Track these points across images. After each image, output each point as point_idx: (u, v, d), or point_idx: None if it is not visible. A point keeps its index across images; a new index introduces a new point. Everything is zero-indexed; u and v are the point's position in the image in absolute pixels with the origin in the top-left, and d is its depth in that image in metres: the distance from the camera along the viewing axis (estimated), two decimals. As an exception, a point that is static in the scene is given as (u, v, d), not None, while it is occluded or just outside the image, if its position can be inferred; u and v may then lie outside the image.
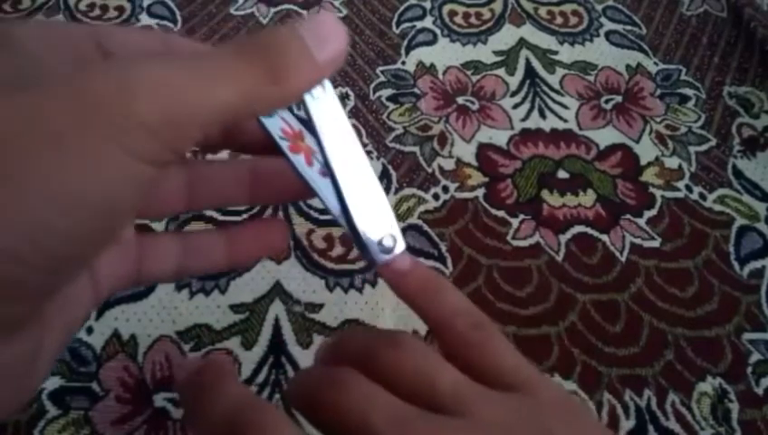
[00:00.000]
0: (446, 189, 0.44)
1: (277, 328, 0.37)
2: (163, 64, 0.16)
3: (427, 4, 0.57)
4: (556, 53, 0.53)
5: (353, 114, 0.48)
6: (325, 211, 0.42)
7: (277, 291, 0.39)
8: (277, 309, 0.38)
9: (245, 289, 0.39)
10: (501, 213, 0.43)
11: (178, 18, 0.54)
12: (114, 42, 0.20)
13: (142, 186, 0.16)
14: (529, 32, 0.55)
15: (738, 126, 0.49)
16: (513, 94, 0.50)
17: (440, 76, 0.51)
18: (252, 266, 0.39)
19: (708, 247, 0.42)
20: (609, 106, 0.50)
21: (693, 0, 0.59)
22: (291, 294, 0.39)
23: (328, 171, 0.21)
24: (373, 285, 0.39)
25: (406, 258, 0.23)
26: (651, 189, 0.45)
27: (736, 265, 0.41)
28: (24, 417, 0.33)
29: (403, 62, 0.52)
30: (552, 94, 0.50)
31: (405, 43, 0.54)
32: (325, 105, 0.20)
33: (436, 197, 0.44)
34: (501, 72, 0.52)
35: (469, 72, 0.52)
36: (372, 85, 0.50)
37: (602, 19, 0.57)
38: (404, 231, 0.42)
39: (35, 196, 0.14)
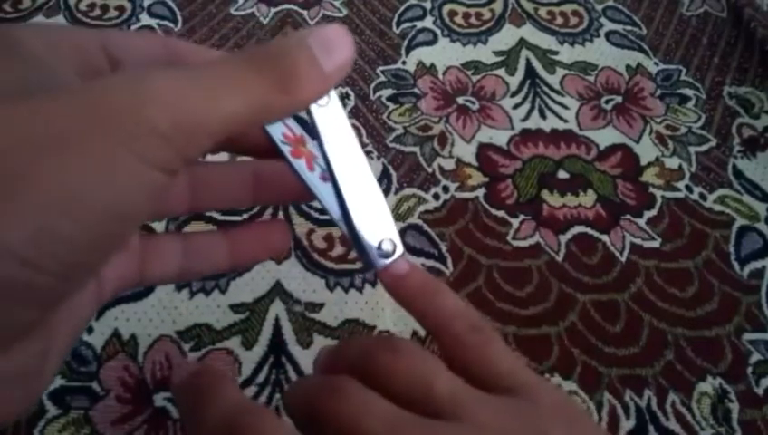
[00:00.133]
0: (446, 189, 0.44)
1: (277, 328, 0.37)
2: (174, 74, 0.16)
3: (428, 5, 0.57)
4: (556, 53, 0.54)
5: (353, 114, 0.48)
6: (326, 211, 0.42)
7: (277, 291, 0.39)
8: (277, 309, 0.38)
9: (246, 289, 0.39)
10: (501, 213, 0.43)
11: (179, 18, 0.54)
12: (118, 45, 0.21)
13: (153, 192, 0.16)
14: (529, 32, 0.55)
15: (738, 126, 0.49)
16: (514, 94, 0.50)
17: (440, 76, 0.51)
18: (252, 267, 0.39)
19: (708, 247, 0.42)
20: (609, 106, 0.50)
21: (693, 0, 0.59)
22: (291, 293, 0.39)
23: (330, 176, 0.22)
24: (373, 284, 0.39)
25: (403, 262, 0.24)
26: (651, 190, 0.45)
27: (736, 266, 0.42)
28: (23, 416, 0.33)
29: (403, 62, 0.52)
30: (553, 94, 0.50)
31: (405, 43, 0.54)
32: (329, 112, 0.21)
33: (436, 197, 0.44)
34: (501, 72, 0.52)
35: (469, 73, 0.52)
36: (372, 85, 0.50)
37: (602, 19, 0.57)
38: (404, 231, 0.42)
39: (42, 199, 0.14)
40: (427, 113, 0.48)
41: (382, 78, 0.51)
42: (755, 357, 0.38)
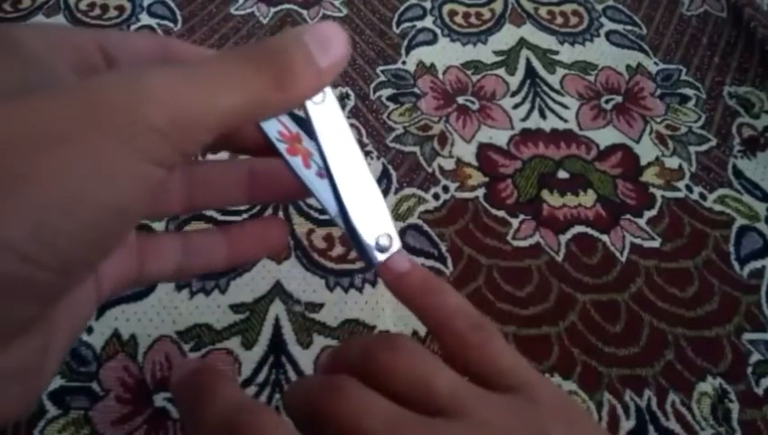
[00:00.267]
0: (446, 189, 0.44)
1: (277, 328, 0.37)
2: (171, 71, 0.16)
3: (428, 4, 0.57)
4: (556, 52, 0.53)
5: (353, 114, 0.48)
6: (323, 209, 0.42)
7: (277, 291, 0.39)
8: (277, 309, 0.38)
9: (245, 289, 0.39)
10: (501, 213, 0.43)
11: (178, 18, 0.54)
12: (115, 45, 0.21)
13: (151, 188, 0.16)
14: (529, 32, 0.55)
15: (738, 126, 0.49)
16: (514, 94, 0.50)
17: (440, 76, 0.51)
18: (252, 266, 0.39)
19: (708, 247, 0.42)
20: (609, 106, 0.50)
21: (693, 0, 0.59)
22: (291, 293, 0.39)
23: (326, 172, 0.22)
24: (373, 284, 0.39)
25: (405, 260, 0.24)
26: (651, 189, 0.45)
27: (736, 266, 0.42)
28: (24, 417, 0.33)
29: (403, 62, 0.52)
30: (553, 94, 0.50)
31: (405, 42, 0.54)
32: (325, 108, 0.21)
33: (436, 196, 0.44)
34: (501, 71, 0.52)
35: (469, 72, 0.52)
36: (372, 85, 0.50)
37: (602, 19, 0.57)
38: (404, 231, 0.42)
39: (41, 196, 0.15)
40: (426, 113, 0.48)
41: (382, 78, 0.51)
42: (755, 357, 0.38)
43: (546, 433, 0.21)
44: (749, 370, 0.37)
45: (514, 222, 0.43)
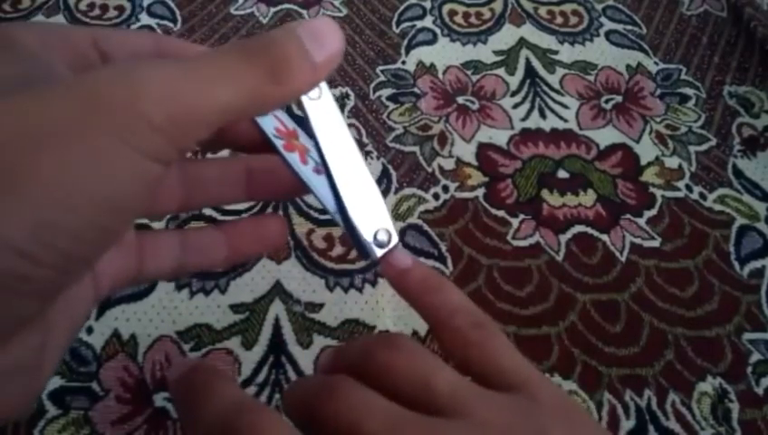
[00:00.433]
0: (446, 189, 0.44)
1: (277, 328, 0.37)
2: (168, 65, 0.16)
3: (427, 4, 0.57)
4: (556, 52, 0.53)
5: (353, 114, 0.48)
6: (325, 211, 0.42)
7: (277, 291, 0.39)
8: (277, 309, 0.38)
9: (245, 289, 0.39)
10: (501, 213, 0.43)
11: (178, 18, 0.54)
12: (110, 43, 0.21)
13: (149, 183, 0.16)
14: (529, 31, 0.55)
15: (738, 126, 0.49)
16: (514, 94, 0.50)
17: (440, 76, 0.51)
18: (252, 266, 0.39)
19: (708, 247, 0.42)
20: (609, 106, 0.50)
21: (693, 0, 0.59)
22: (291, 293, 0.39)
23: (324, 168, 0.22)
24: (373, 284, 0.39)
25: (407, 256, 0.24)
26: (651, 189, 0.45)
27: (736, 265, 0.41)
28: (24, 417, 0.33)
29: (403, 62, 0.52)
30: (553, 94, 0.50)
31: (405, 42, 0.54)
32: (321, 104, 0.21)
33: (436, 196, 0.44)
34: (501, 71, 0.52)
35: (469, 72, 0.52)
36: (372, 85, 0.50)
37: (602, 19, 0.57)
38: (404, 231, 0.42)
39: (40, 193, 0.15)
40: (426, 113, 0.48)
41: (382, 78, 0.51)
42: (755, 357, 0.38)
43: (546, 432, 0.21)
44: (749, 370, 0.37)
45: (514, 222, 0.43)
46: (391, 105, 0.49)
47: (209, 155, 0.38)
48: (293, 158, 0.23)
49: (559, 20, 0.56)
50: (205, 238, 0.25)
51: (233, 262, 0.26)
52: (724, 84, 0.52)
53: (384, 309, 0.38)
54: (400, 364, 0.22)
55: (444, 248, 0.41)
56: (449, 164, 0.46)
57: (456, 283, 0.39)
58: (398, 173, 0.45)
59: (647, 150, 0.47)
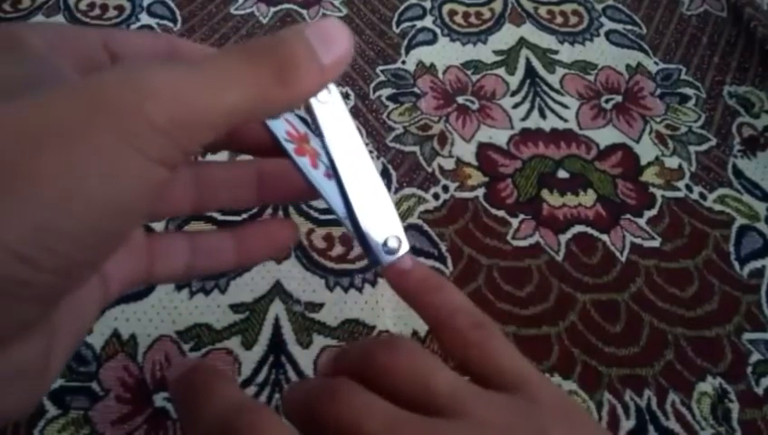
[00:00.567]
0: (446, 189, 0.44)
1: (277, 328, 0.37)
2: (173, 67, 0.16)
3: (427, 4, 0.57)
4: (556, 52, 0.53)
5: (353, 114, 0.48)
6: (325, 211, 0.42)
7: (277, 290, 0.39)
8: (277, 309, 0.38)
9: (245, 289, 0.39)
10: (501, 213, 0.43)
11: (178, 18, 0.54)
12: (119, 44, 0.21)
13: (154, 188, 0.16)
14: (529, 31, 0.55)
15: (738, 126, 0.49)
16: (514, 94, 0.50)
17: (440, 76, 0.51)
18: (252, 266, 0.39)
19: (708, 247, 0.42)
20: (609, 106, 0.50)
21: (693, 0, 0.59)
22: (291, 293, 0.39)
23: (333, 173, 0.22)
24: (373, 284, 0.39)
25: (407, 258, 0.24)
26: (651, 189, 0.45)
27: (736, 265, 0.41)
28: (23, 419, 0.33)
29: (403, 62, 0.52)
30: (553, 94, 0.50)
31: (405, 42, 0.54)
32: (331, 108, 0.21)
33: (436, 196, 0.44)
34: (501, 71, 0.52)
35: (469, 72, 0.52)
36: (372, 85, 0.50)
37: (602, 19, 0.57)
38: (404, 231, 0.42)
39: (41, 196, 0.14)
40: (426, 113, 0.48)
41: (382, 77, 0.51)
42: (755, 357, 0.38)
43: (546, 432, 0.21)
44: (749, 370, 0.37)
45: (514, 222, 0.43)
46: (391, 105, 0.49)
47: (211, 157, 0.38)
48: (304, 162, 0.23)
49: (559, 20, 0.56)
50: (214, 241, 0.25)
51: (242, 265, 0.26)
52: (724, 84, 0.52)
53: (384, 309, 0.38)
54: (400, 366, 0.22)
55: (444, 248, 0.41)
56: (449, 164, 0.46)
57: (456, 283, 0.39)
58: (398, 173, 0.45)
59: (647, 150, 0.47)
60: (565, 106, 0.50)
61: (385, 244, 0.22)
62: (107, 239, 0.16)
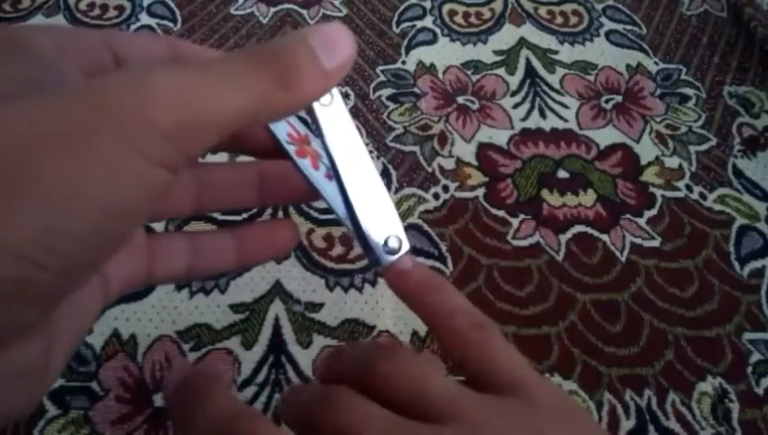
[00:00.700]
0: (446, 189, 0.44)
1: (277, 328, 0.37)
2: (177, 71, 0.16)
3: (428, 4, 0.57)
4: (556, 52, 0.53)
5: (353, 114, 0.48)
6: (325, 211, 0.42)
7: (277, 290, 0.39)
8: (277, 308, 0.38)
9: (245, 289, 0.39)
10: (501, 213, 0.43)
11: (178, 18, 0.54)
12: (124, 46, 0.21)
13: (156, 190, 0.16)
14: (529, 31, 0.55)
15: (738, 126, 0.49)
16: (514, 94, 0.50)
17: (440, 76, 0.51)
18: (252, 267, 0.39)
19: (708, 247, 0.42)
20: (609, 106, 0.50)
21: (693, 0, 0.59)
22: (291, 293, 0.39)
23: (334, 175, 0.22)
24: (373, 284, 0.39)
25: (407, 259, 0.24)
26: (651, 189, 0.45)
27: (737, 265, 0.41)
28: (22, 419, 0.33)
29: (403, 62, 0.52)
30: (553, 94, 0.50)
31: (405, 42, 0.54)
32: (333, 111, 0.21)
33: (436, 196, 0.44)
34: (501, 71, 0.52)
35: (469, 72, 0.52)
36: (372, 85, 0.50)
37: (602, 19, 0.57)
38: (404, 231, 0.42)
39: (45, 197, 0.14)
40: (426, 113, 0.48)
41: (382, 78, 0.51)
42: (755, 357, 0.38)
43: (544, 434, 0.21)
44: (749, 369, 0.37)
45: (514, 222, 0.43)
46: (391, 105, 0.49)
47: (210, 157, 0.38)
48: (305, 164, 0.23)
49: (559, 20, 0.56)
50: (215, 242, 0.25)
51: (243, 266, 0.26)
52: (724, 84, 0.52)
53: (384, 309, 0.38)
54: (398, 374, 0.22)
55: (444, 248, 0.41)
56: (449, 164, 0.46)
57: (456, 283, 0.40)
58: (398, 173, 0.45)
59: (647, 150, 0.47)
60: (565, 106, 0.50)
61: (385, 244, 0.23)
62: (109, 240, 0.16)
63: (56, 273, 0.15)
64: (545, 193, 0.44)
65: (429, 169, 0.45)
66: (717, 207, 0.44)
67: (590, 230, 0.43)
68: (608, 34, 0.55)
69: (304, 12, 0.55)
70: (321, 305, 0.38)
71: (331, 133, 0.21)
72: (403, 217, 0.42)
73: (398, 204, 0.43)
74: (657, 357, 0.38)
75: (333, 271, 0.40)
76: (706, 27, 0.56)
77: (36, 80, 0.17)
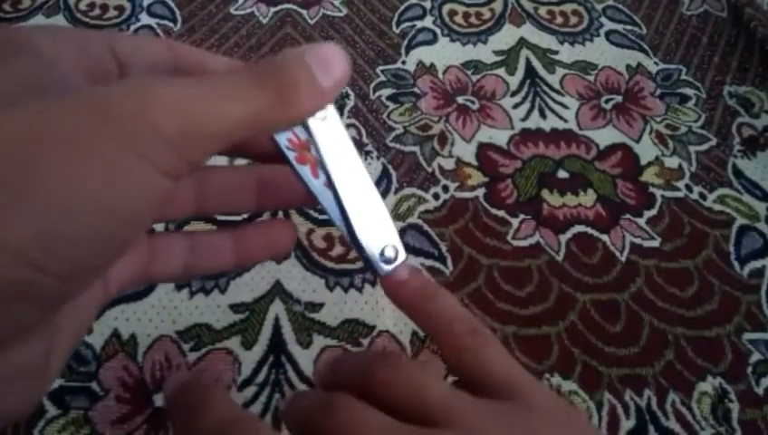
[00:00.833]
0: (446, 189, 0.44)
1: (277, 327, 0.37)
2: (181, 83, 0.17)
3: (428, 4, 0.57)
4: (556, 52, 0.53)
5: (353, 114, 0.48)
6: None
7: (277, 290, 0.39)
8: (277, 308, 0.38)
9: (245, 289, 0.39)
10: (501, 213, 0.43)
11: (178, 18, 0.54)
12: (125, 48, 0.21)
13: (159, 197, 0.17)
14: (529, 31, 0.55)
15: (738, 126, 0.49)
16: (514, 94, 0.50)
17: (440, 76, 0.51)
18: (252, 266, 0.39)
19: (708, 247, 0.42)
20: (609, 106, 0.50)
21: (693, 0, 0.59)
22: (291, 293, 0.39)
23: (330, 187, 0.22)
24: (373, 284, 0.39)
25: (404, 268, 0.24)
26: (651, 189, 0.45)
27: (736, 265, 0.41)
28: (22, 419, 0.33)
29: (403, 62, 0.52)
30: (553, 94, 0.50)
31: (405, 42, 0.54)
32: (328, 125, 0.21)
33: (436, 196, 0.44)
34: (501, 71, 0.52)
35: (469, 72, 0.52)
36: (372, 85, 0.50)
37: (602, 19, 0.57)
38: (404, 231, 0.42)
39: (48, 200, 0.15)
40: (426, 113, 0.48)
41: (382, 78, 0.51)
42: (755, 357, 0.38)
43: None
44: (749, 369, 0.37)
45: (514, 222, 0.43)
46: (391, 105, 0.49)
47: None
48: (305, 170, 0.23)
49: (559, 20, 0.56)
50: (213, 242, 0.25)
51: (240, 266, 0.26)
52: (724, 84, 0.52)
53: (384, 309, 0.38)
54: (398, 382, 0.22)
55: (444, 248, 0.41)
56: (449, 164, 0.46)
57: (456, 283, 0.40)
58: (398, 173, 0.45)
59: (647, 150, 0.47)
60: (565, 106, 0.50)
61: (382, 253, 0.23)
62: (112, 245, 0.17)
63: (57, 276, 0.15)
64: (545, 193, 0.44)
65: (429, 169, 0.45)
66: (717, 207, 0.44)
67: (590, 230, 0.43)
68: (608, 34, 0.55)
69: (304, 12, 0.55)
70: (321, 305, 0.38)
71: (326, 146, 0.21)
72: (403, 217, 0.42)
73: (397, 204, 0.43)
74: (657, 357, 0.38)
75: (333, 271, 0.40)
76: (706, 27, 0.56)
77: (36, 81, 0.17)
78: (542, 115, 0.49)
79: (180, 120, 0.16)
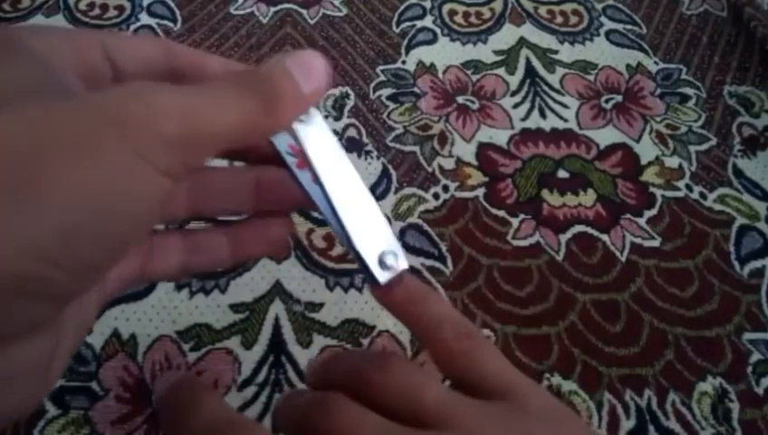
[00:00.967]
0: (446, 189, 0.44)
1: (277, 327, 0.37)
2: (181, 90, 0.18)
3: (428, 4, 0.57)
4: (556, 52, 0.53)
5: (353, 114, 0.48)
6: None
7: (277, 290, 0.39)
8: (277, 308, 0.38)
9: (245, 289, 0.39)
10: (501, 213, 0.43)
11: (178, 17, 0.54)
12: (118, 47, 0.21)
13: (162, 197, 0.17)
14: (529, 31, 0.55)
15: (738, 125, 0.49)
16: (514, 94, 0.50)
17: (440, 75, 0.51)
18: (252, 266, 0.39)
19: (708, 247, 0.42)
20: (609, 105, 0.50)
21: (693, 0, 0.59)
22: (291, 293, 0.39)
23: (323, 194, 0.22)
24: (373, 284, 0.39)
25: (397, 279, 0.23)
26: (651, 189, 0.45)
27: (737, 265, 0.41)
28: (23, 419, 0.33)
29: (403, 62, 0.52)
30: (553, 94, 0.50)
31: (405, 42, 0.53)
32: (313, 127, 0.21)
33: (436, 196, 0.44)
34: (501, 71, 0.52)
35: (469, 72, 0.52)
36: (372, 84, 0.50)
37: (602, 18, 0.57)
38: (404, 231, 0.42)
39: (65, 199, 0.15)
40: (426, 113, 0.48)
41: (382, 77, 0.51)
42: (755, 357, 0.38)
43: None
44: (749, 369, 0.37)
45: (514, 222, 0.43)
46: (391, 105, 0.49)
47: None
48: (304, 176, 0.23)
49: (559, 19, 0.56)
50: (209, 239, 0.25)
51: (237, 263, 0.27)
52: (725, 84, 0.52)
53: (384, 309, 0.38)
54: (393, 383, 0.22)
55: (444, 248, 0.41)
56: (449, 164, 0.46)
57: (456, 283, 0.40)
58: (398, 173, 0.45)
59: (647, 150, 0.47)
60: (565, 106, 0.50)
61: (381, 260, 0.22)
62: (120, 245, 0.17)
63: (73, 273, 0.16)
64: (545, 193, 0.44)
65: (429, 169, 0.45)
66: (717, 206, 0.44)
67: (590, 230, 0.43)
68: (608, 34, 0.55)
69: (304, 12, 0.55)
70: (321, 305, 0.38)
71: (314, 150, 0.21)
72: (403, 217, 0.42)
73: (397, 204, 0.43)
74: (657, 357, 0.38)
75: (333, 271, 0.40)
76: (706, 27, 0.56)
77: (29, 80, 0.18)
78: (542, 115, 0.49)
79: (182, 123, 0.17)
